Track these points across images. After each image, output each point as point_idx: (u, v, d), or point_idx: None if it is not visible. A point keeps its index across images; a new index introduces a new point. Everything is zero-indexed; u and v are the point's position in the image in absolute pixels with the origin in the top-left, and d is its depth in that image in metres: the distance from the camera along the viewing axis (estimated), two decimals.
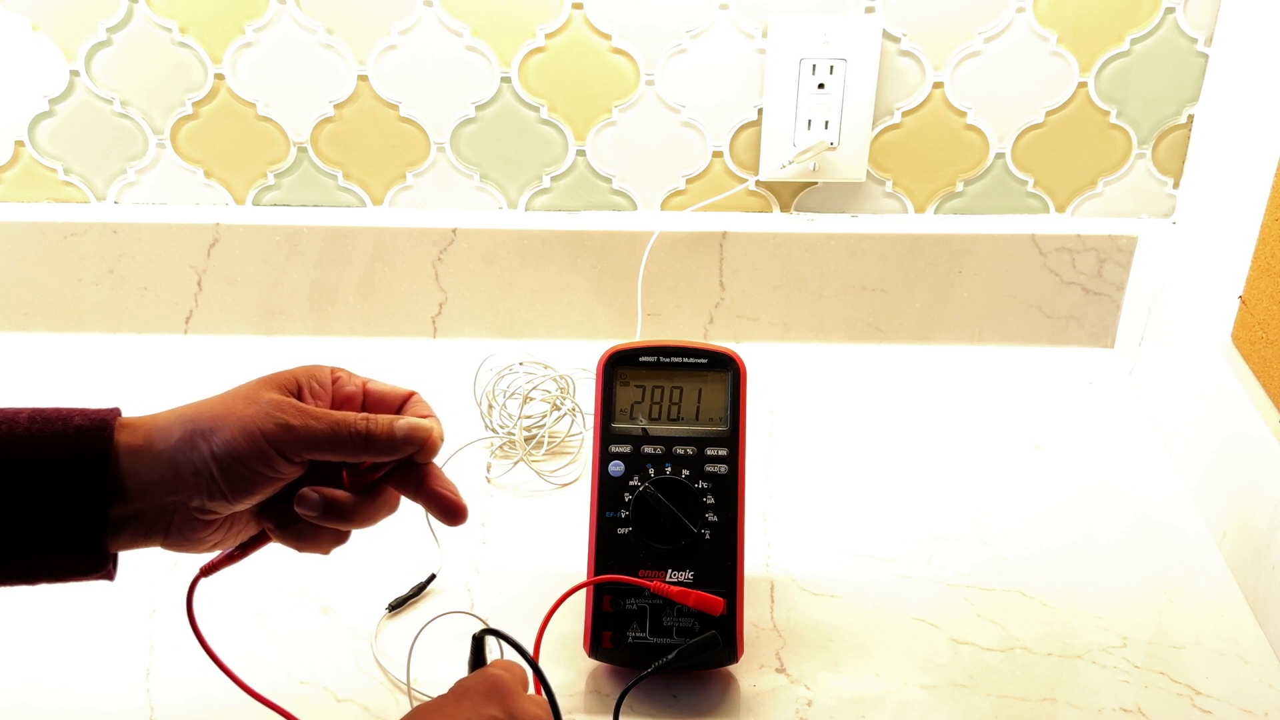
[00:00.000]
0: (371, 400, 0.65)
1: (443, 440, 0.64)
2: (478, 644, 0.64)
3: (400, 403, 0.65)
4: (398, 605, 0.78)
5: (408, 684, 0.73)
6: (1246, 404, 0.80)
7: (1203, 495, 0.86)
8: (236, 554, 0.65)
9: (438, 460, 0.65)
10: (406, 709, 0.71)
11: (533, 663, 0.63)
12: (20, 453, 0.56)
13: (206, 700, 0.72)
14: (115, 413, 0.59)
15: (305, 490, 0.61)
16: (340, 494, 0.62)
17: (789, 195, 1.03)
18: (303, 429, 0.59)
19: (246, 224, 1.01)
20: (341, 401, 0.64)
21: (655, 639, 0.71)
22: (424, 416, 0.64)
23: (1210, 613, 0.78)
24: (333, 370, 0.65)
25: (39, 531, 0.56)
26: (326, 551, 0.65)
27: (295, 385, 0.62)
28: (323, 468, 0.62)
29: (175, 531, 0.59)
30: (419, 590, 0.79)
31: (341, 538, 0.64)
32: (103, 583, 0.60)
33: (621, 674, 0.73)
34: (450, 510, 0.64)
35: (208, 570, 0.65)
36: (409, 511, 0.68)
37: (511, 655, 0.65)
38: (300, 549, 0.64)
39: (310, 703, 0.72)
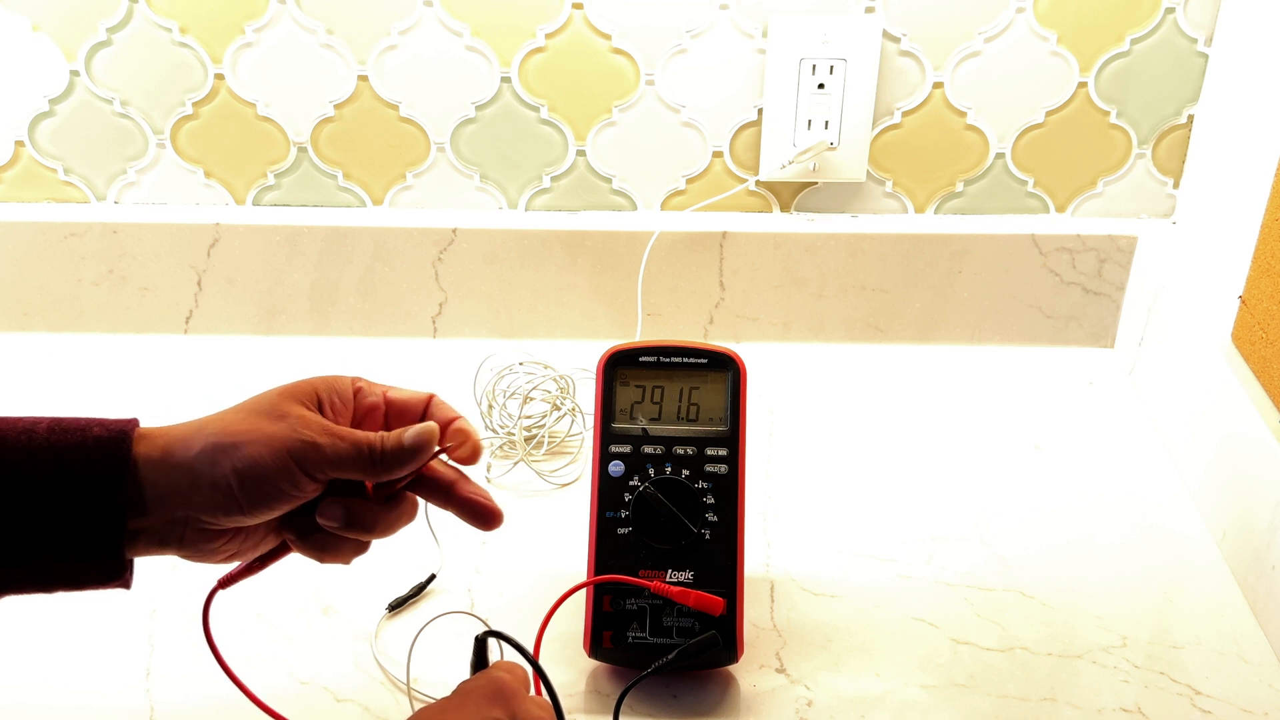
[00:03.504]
0: (394, 411, 0.65)
1: (479, 444, 0.64)
2: (480, 645, 0.64)
3: (422, 408, 0.65)
4: (398, 605, 0.79)
5: (408, 684, 0.73)
6: (1246, 404, 0.80)
7: (1202, 495, 0.86)
8: (256, 565, 0.64)
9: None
10: (407, 709, 0.71)
11: (535, 664, 0.62)
12: (40, 462, 0.56)
13: (207, 700, 0.72)
14: (134, 424, 0.59)
15: (328, 502, 0.61)
16: (363, 505, 0.62)
17: (789, 195, 1.03)
18: (329, 448, 0.59)
19: (246, 224, 1.01)
20: (364, 415, 0.64)
21: (655, 639, 0.71)
22: (452, 419, 0.64)
23: (1210, 613, 0.78)
24: (354, 382, 0.64)
25: (58, 541, 0.56)
26: (348, 561, 0.64)
27: (316, 398, 0.61)
28: (342, 480, 0.62)
29: (189, 542, 0.59)
30: (419, 590, 0.79)
31: (362, 547, 0.64)
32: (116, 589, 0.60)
33: (621, 674, 0.73)
34: (484, 515, 0.64)
35: (225, 582, 0.64)
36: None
37: (514, 657, 0.65)
38: (322, 559, 0.63)
39: (310, 703, 0.72)
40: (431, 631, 0.74)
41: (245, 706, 0.71)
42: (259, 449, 0.57)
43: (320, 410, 0.61)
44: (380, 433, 0.61)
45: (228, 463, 0.57)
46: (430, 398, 0.65)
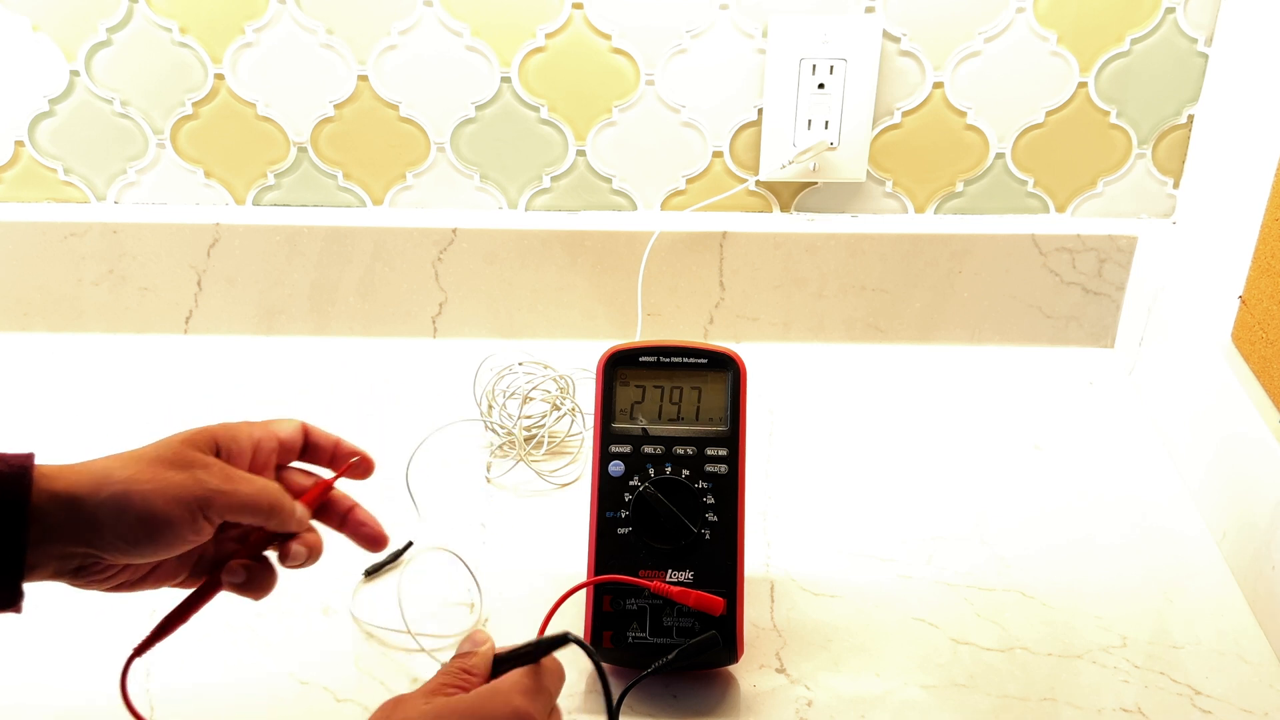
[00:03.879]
0: (283, 449, 0.68)
1: (370, 460, 0.70)
2: (551, 644, 0.60)
3: (302, 439, 0.69)
4: (374, 571, 0.81)
5: (407, 629, 0.75)
6: (1246, 404, 0.80)
7: (1202, 495, 0.86)
8: (172, 625, 0.66)
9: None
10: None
11: (604, 679, 0.60)
12: None
13: (207, 700, 0.72)
14: (30, 459, 0.59)
15: (293, 545, 0.65)
16: (312, 538, 0.66)
17: (789, 195, 1.03)
18: (231, 493, 0.61)
19: (246, 224, 1.01)
20: (263, 463, 0.67)
21: (655, 639, 0.71)
22: (334, 442, 0.69)
23: (1210, 613, 0.78)
24: (250, 434, 0.66)
25: None
26: (261, 597, 0.67)
27: (214, 445, 0.64)
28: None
29: (83, 573, 0.61)
30: (395, 556, 0.82)
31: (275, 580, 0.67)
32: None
33: (621, 674, 0.73)
34: (373, 539, 0.69)
35: (141, 650, 0.65)
36: (403, 502, 0.69)
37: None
38: (257, 596, 0.66)
39: (310, 703, 0.72)
40: (414, 590, 0.76)
41: (245, 708, 0.71)
42: (164, 500, 0.59)
43: (219, 456, 0.64)
44: (281, 489, 0.64)
45: (133, 512, 0.59)
46: (303, 426, 0.69)
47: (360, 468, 0.69)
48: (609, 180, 1.02)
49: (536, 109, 0.99)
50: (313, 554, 0.66)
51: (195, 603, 0.66)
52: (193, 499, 0.60)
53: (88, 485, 0.59)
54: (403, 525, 0.85)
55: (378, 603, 0.79)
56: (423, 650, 0.75)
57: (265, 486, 0.63)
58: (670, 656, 0.69)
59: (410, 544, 0.83)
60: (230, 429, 0.65)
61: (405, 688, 0.73)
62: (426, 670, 0.74)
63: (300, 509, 0.65)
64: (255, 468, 0.66)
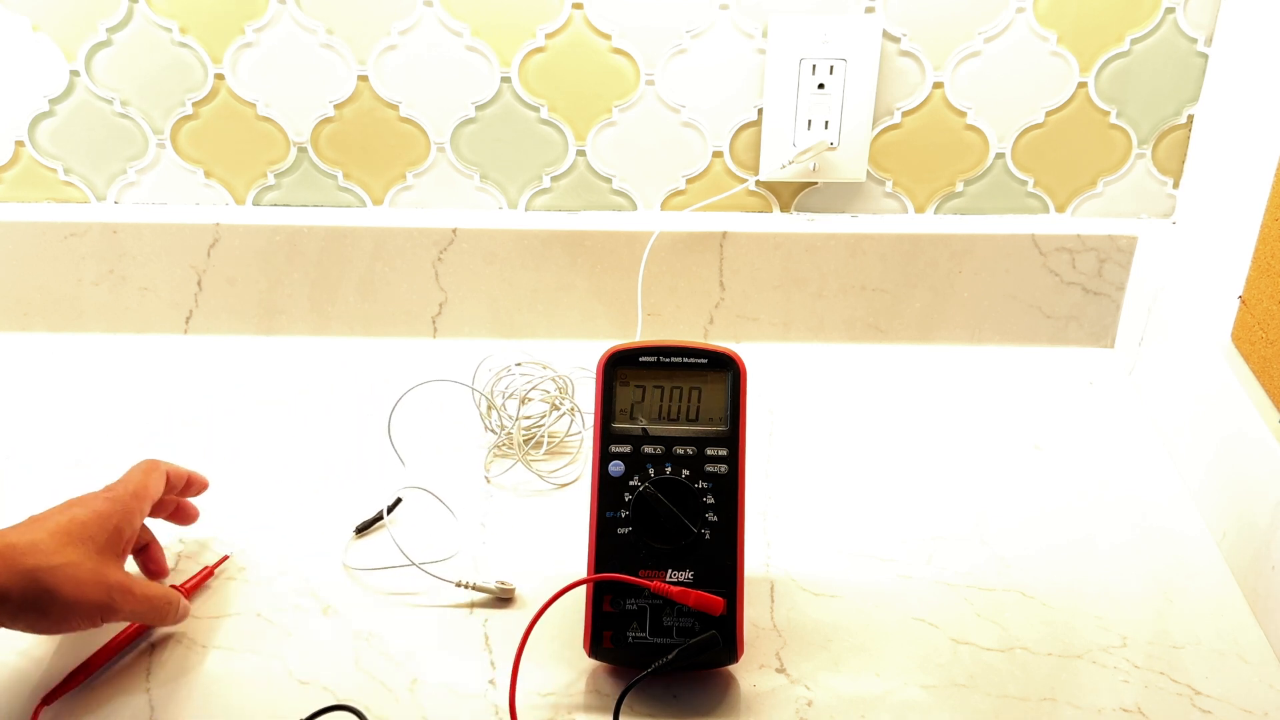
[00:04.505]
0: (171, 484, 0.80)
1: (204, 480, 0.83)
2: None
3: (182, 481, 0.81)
4: (364, 528, 0.84)
5: (415, 563, 0.79)
6: (1246, 404, 0.80)
7: (1202, 495, 0.86)
8: (84, 673, 0.72)
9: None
10: (407, 710, 0.71)
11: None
12: None
13: (207, 701, 0.72)
14: None
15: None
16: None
17: (789, 195, 1.03)
18: (133, 611, 0.70)
19: (246, 224, 1.01)
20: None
21: (655, 639, 0.71)
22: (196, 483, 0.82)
23: (1210, 613, 0.78)
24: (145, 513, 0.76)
25: None
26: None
27: (121, 541, 0.72)
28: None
29: None
30: (381, 515, 0.84)
31: None
32: None
33: (621, 674, 0.73)
34: (190, 520, 0.82)
35: (49, 699, 0.70)
36: (402, 502, 0.68)
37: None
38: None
39: (311, 703, 0.72)
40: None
41: (245, 708, 0.71)
42: (78, 615, 0.67)
43: (123, 541, 0.72)
44: (176, 599, 0.74)
45: (54, 611, 0.66)
46: (164, 473, 0.78)
47: (193, 491, 0.82)
48: (609, 180, 1.02)
49: (536, 109, 0.99)
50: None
51: (104, 656, 0.72)
52: (102, 615, 0.68)
53: (10, 577, 0.65)
54: (401, 524, 0.85)
55: (367, 556, 0.79)
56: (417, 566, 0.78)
57: (160, 595, 0.72)
58: (670, 656, 0.69)
59: (399, 500, 0.86)
60: (130, 518, 0.73)
61: (405, 688, 0.73)
62: (426, 670, 0.74)
63: (184, 604, 0.75)
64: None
